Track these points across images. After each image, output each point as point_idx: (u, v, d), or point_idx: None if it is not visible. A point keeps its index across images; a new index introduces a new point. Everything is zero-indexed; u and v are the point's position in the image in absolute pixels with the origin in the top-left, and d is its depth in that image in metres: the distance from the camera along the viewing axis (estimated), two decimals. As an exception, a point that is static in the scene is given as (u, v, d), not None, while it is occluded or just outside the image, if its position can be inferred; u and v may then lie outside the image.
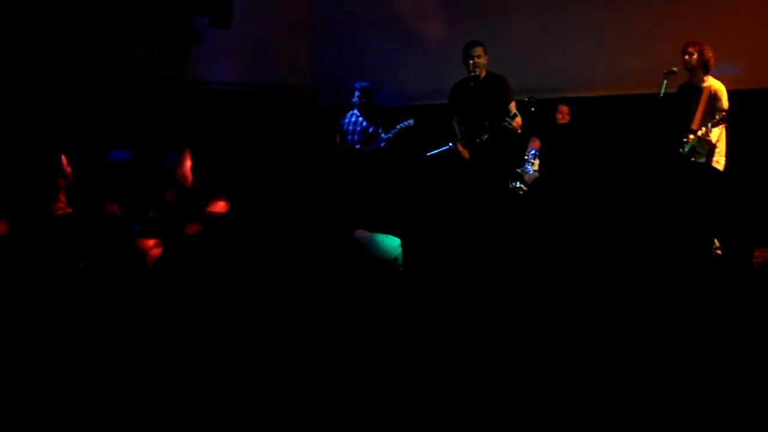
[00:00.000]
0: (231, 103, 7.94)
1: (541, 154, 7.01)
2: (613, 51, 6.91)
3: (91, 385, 2.11)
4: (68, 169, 3.11)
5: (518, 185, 6.55)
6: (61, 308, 2.32)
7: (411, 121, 6.56)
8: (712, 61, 5.27)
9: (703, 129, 5.11)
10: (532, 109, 5.50)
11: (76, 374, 2.14)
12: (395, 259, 3.07)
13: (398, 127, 6.57)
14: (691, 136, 5.22)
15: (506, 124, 5.36)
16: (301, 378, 2.14)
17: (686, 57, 5.28)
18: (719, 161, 5.23)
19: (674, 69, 5.33)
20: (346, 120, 6.89)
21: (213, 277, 2.47)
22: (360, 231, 3.04)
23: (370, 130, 6.73)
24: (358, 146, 6.78)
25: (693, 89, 5.33)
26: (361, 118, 6.81)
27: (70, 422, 2.07)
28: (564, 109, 7.20)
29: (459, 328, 2.41)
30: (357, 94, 6.79)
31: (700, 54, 5.24)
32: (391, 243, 3.11)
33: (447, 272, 2.79)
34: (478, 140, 5.53)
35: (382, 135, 6.62)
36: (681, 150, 5.30)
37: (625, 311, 2.36)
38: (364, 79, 6.95)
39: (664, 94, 5.33)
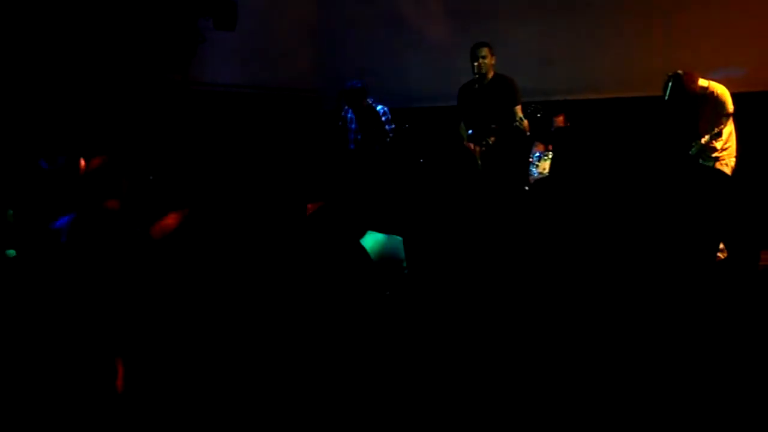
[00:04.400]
0: (236, 105, 7.95)
1: (546, 155, 6.95)
2: (619, 53, 6.91)
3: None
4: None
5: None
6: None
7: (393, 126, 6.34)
8: (696, 87, 5.21)
9: (706, 137, 5.10)
10: (539, 115, 5.51)
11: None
12: (403, 260, 3.08)
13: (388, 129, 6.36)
14: (694, 143, 5.22)
15: (517, 124, 5.37)
16: (305, 379, 2.14)
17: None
18: (728, 163, 5.22)
19: (679, 71, 5.32)
20: (349, 116, 6.79)
21: (219, 277, 2.47)
22: (369, 232, 3.05)
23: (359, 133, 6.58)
24: (352, 146, 6.66)
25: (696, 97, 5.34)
26: (354, 117, 6.67)
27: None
28: (559, 119, 7.13)
29: (463, 327, 2.41)
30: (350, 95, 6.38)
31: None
32: (400, 244, 3.11)
33: (451, 272, 2.79)
34: (484, 142, 5.51)
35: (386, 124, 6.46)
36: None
37: (631, 314, 2.35)
38: (362, 79, 6.58)
39: (669, 96, 5.32)
